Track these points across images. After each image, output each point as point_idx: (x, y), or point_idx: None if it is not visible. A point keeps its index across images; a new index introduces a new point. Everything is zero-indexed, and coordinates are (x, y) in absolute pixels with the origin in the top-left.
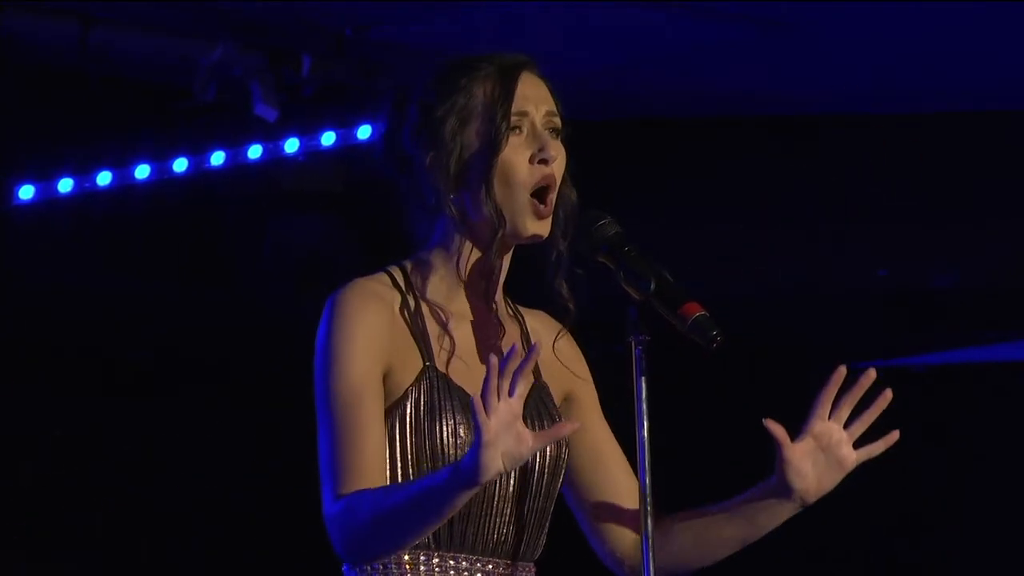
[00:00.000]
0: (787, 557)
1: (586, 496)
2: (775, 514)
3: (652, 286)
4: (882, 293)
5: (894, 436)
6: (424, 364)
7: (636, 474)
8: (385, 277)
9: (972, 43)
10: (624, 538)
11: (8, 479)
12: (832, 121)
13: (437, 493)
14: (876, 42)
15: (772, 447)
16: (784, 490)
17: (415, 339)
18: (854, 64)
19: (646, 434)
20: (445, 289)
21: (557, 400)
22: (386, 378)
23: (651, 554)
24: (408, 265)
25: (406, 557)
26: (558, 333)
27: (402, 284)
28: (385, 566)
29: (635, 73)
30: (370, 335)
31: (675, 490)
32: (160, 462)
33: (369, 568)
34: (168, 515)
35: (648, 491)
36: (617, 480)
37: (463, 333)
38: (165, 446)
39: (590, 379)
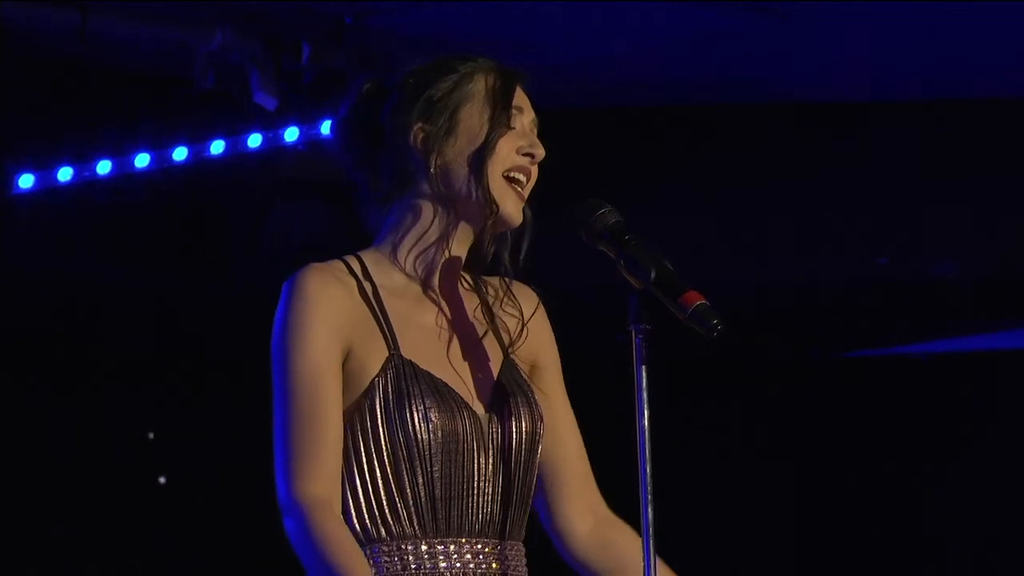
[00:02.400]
0: (785, 547)
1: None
2: None
3: (652, 275)
4: (882, 282)
5: None
6: (389, 352)
7: (637, 464)
8: (341, 264)
9: (973, 31)
10: (560, 515)
11: (7, 469)
12: (832, 109)
13: None
14: (875, 30)
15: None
16: None
17: (378, 326)
18: (854, 52)
19: (647, 423)
20: (404, 276)
21: (524, 368)
22: (348, 360)
23: (651, 543)
24: (364, 255)
25: (392, 546)
26: (521, 330)
27: (358, 272)
28: (375, 559)
29: (634, 61)
30: (330, 315)
31: (674, 479)
32: (158, 450)
33: None
34: (166, 504)
35: (648, 479)
36: (567, 456)
37: (427, 318)
38: (163, 434)
39: (555, 349)
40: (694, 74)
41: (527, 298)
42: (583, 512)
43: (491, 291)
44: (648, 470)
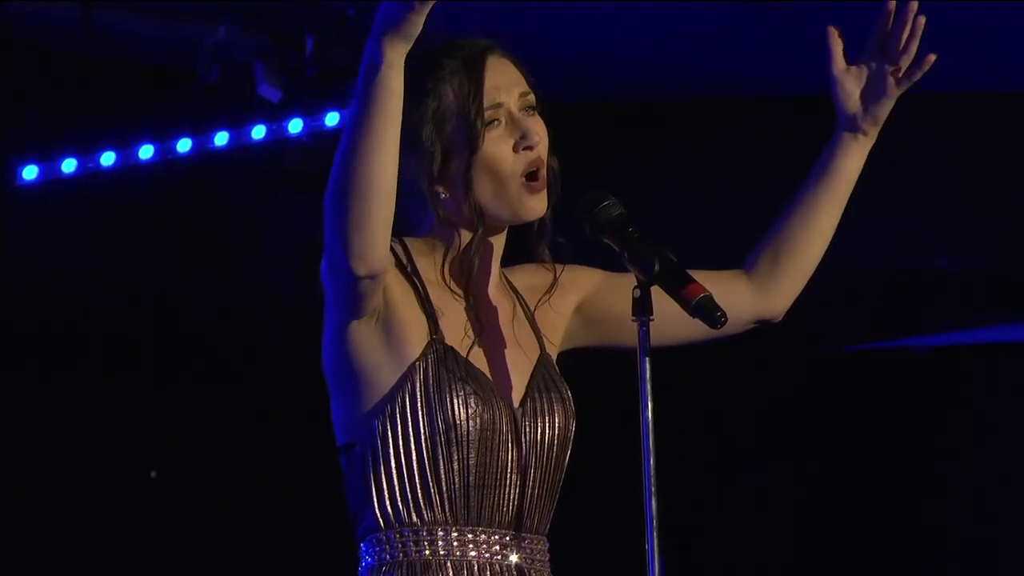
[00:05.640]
0: (785, 541)
1: (692, 323)
2: (844, 153)
3: (656, 267)
4: (885, 274)
5: (931, 59)
6: (431, 337)
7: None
8: None
9: (975, 25)
10: (749, 310)
11: (9, 463)
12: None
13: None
14: (876, 22)
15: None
16: (840, 119)
17: (420, 307)
18: (855, 45)
19: (650, 415)
20: (445, 270)
21: (569, 311)
22: (388, 333)
23: (655, 535)
24: (407, 242)
25: (423, 532)
26: (552, 284)
27: (400, 253)
28: (403, 543)
29: (637, 56)
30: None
31: (678, 471)
32: (161, 445)
33: (388, 545)
34: (170, 501)
35: (652, 471)
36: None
37: (465, 313)
38: (166, 428)
39: (591, 269)
40: (698, 69)
41: (544, 272)
42: (741, 290)
43: (518, 283)
44: (652, 462)
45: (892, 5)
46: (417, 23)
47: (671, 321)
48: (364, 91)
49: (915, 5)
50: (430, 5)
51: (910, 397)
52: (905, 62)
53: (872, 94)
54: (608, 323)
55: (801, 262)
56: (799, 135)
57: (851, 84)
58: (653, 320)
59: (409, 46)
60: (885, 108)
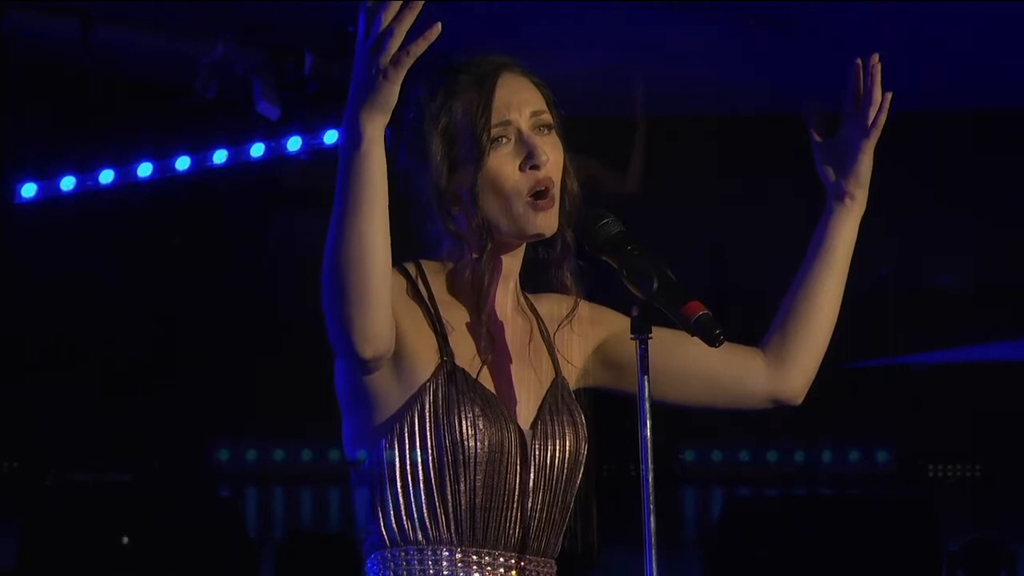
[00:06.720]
0: (785, 558)
1: (707, 386)
2: (837, 221)
3: (654, 285)
4: (884, 292)
5: (887, 98)
6: (441, 359)
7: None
8: (397, 269)
9: (974, 43)
10: (760, 389)
11: (9, 463)
12: (834, 120)
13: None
14: (877, 42)
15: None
16: (828, 190)
17: (432, 330)
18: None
19: (648, 432)
20: (459, 289)
21: (582, 359)
22: (399, 358)
23: (652, 552)
24: (422, 263)
25: (427, 551)
26: (573, 309)
27: (414, 276)
28: (408, 562)
29: (635, 71)
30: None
31: (671, 490)
32: (158, 456)
33: (392, 563)
34: (172, 506)
35: (651, 488)
36: (700, 353)
37: (479, 333)
38: (163, 440)
39: (617, 314)
40: (695, 84)
41: (569, 304)
42: (757, 364)
43: (541, 308)
44: (650, 479)
45: (860, 62)
46: (392, 92)
47: (685, 384)
48: (347, 168)
49: (876, 56)
50: (403, 74)
51: (907, 415)
52: (872, 112)
53: (848, 155)
54: (625, 368)
55: (809, 336)
56: (799, 150)
57: (829, 153)
58: (653, 338)
59: (387, 117)
60: (864, 165)
